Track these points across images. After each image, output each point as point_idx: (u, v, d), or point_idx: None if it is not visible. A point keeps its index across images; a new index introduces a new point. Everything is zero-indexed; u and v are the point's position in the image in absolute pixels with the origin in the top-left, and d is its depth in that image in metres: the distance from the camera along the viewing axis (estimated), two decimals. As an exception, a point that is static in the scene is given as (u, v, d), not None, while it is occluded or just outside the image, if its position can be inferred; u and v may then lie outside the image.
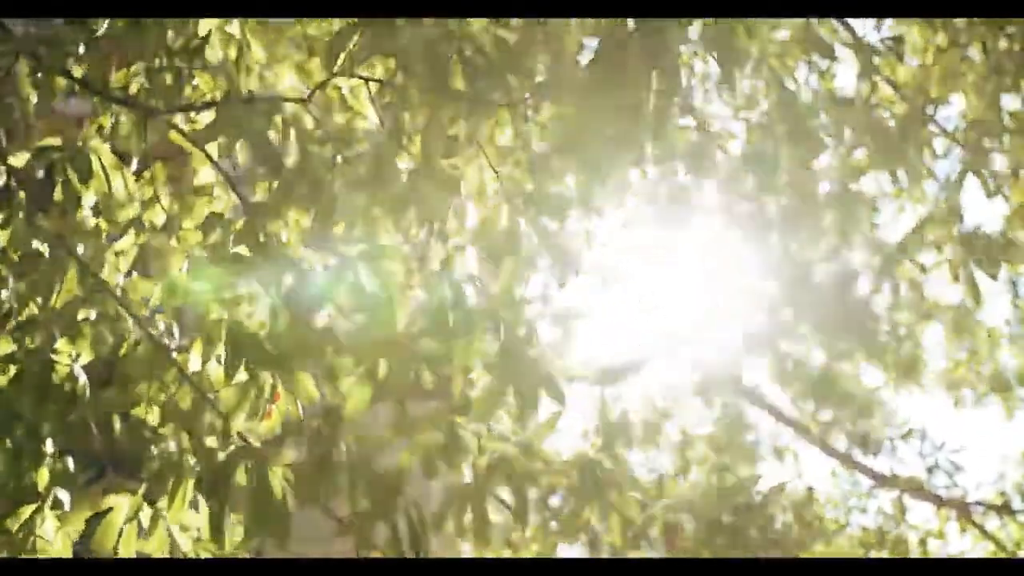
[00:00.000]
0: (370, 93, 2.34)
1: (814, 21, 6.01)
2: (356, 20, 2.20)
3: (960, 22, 6.08)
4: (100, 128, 3.03)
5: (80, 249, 3.02)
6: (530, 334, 2.28)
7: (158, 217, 3.34)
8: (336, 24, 2.50)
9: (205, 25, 3.28)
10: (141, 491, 2.54)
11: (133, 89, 3.19)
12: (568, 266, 2.11)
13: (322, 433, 2.34)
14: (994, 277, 4.90)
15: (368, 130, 2.70)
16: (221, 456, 2.33)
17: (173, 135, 2.84)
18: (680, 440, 8.91)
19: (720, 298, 8.35)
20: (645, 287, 9.11)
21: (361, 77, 2.27)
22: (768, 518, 2.82)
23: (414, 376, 2.65)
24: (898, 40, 5.46)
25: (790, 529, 7.81)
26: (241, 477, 2.28)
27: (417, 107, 2.13)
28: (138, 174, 3.01)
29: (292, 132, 2.71)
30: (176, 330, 2.83)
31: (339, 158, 2.56)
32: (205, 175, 2.91)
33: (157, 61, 3.16)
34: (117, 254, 3.19)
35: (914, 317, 8.22)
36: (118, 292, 3.09)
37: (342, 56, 2.21)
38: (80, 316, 2.73)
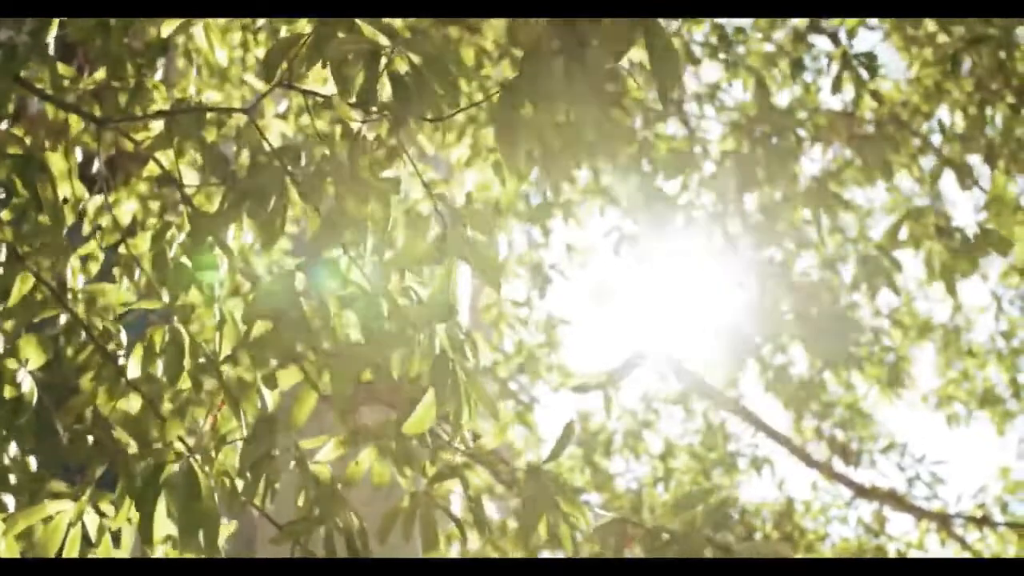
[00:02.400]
0: (307, 106, 2.36)
1: (792, 32, 6.07)
2: (296, 32, 2.22)
3: (945, 38, 6.13)
4: (61, 134, 3.05)
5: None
6: (463, 346, 2.30)
7: (123, 221, 3.37)
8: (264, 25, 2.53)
9: (167, 28, 3.30)
10: (85, 496, 2.55)
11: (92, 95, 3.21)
12: (493, 279, 2.13)
13: (258, 439, 2.36)
14: (968, 273, 4.94)
15: (320, 141, 2.71)
16: (152, 461, 2.35)
17: (127, 143, 2.87)
18: (662, 450, 8.94)
19: (701, 306, 8.37)
20: (627, 295, 9.13)
21: (297, 89, 2.29)
22: (720, 525, 2.83)
23: (357, 385, 2.67)
24: (870, 57, 5.52)
25: (768, 540, 7.82)
26: (171, 483, 2.30)
27: (346, 120, 2.16)
28: (100, 182, 3.03)
29: (243, 142, 2.74)
30: (124, 336, 2.86)
31: (288, 169, 2.57)
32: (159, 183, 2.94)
33: (118, 68, 3.19)
34: (85, 258, 3.22)
35: (895, 323, 8.25)
36: (80, 297, 3.12)
37: (280, 68, 2.22)
38: (30, 321, 2.76)
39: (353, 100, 2.02)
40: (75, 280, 2.92)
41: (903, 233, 5.14)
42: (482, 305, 7.76)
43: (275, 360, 2.55)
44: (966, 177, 5.36)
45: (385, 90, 2.10)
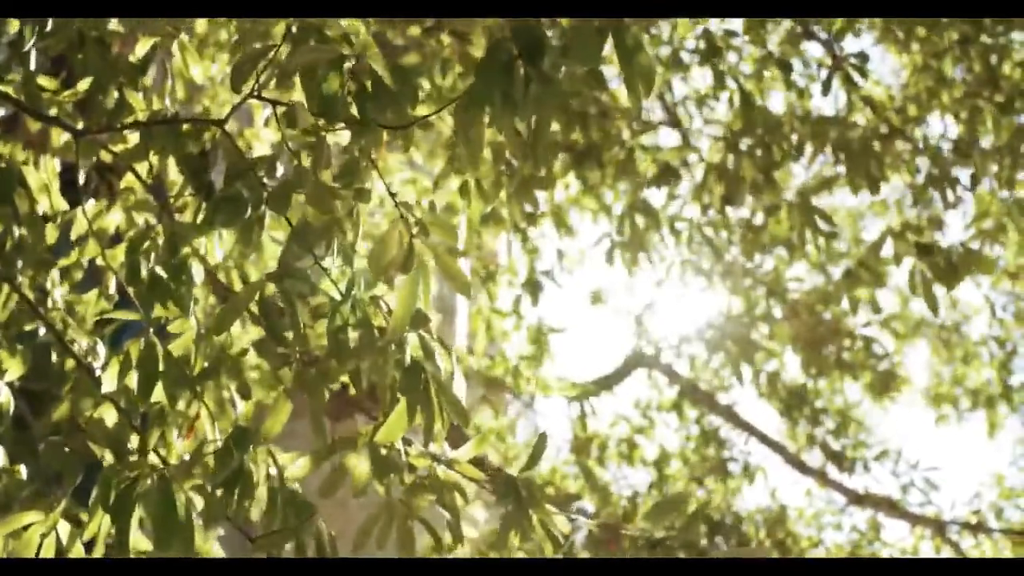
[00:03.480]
0: (275, 115, 2.36)
1: (784, 34, 6.07)
2: (267, 43, 2.23)
3: (939, 41, 6.13)
4: (43, 146, 3.06)
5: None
6: (435, 354, 2.30)
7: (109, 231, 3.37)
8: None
9: (142, 48, 3.31)
10: (60, 507, 2.55)
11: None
12: (462, 287, 2.13)
13: (231, 451, 2.36)
14: (951, 288, 4.95)
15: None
16: (127, 474, 2.35)
17: (104, 154, 2.87)
18: (656, 456, 8.94)
19: (694, 313, 8.38)
20: (620, 302, 9.14)
21: (265, 99, 2.30)
22: (708, 528, 2.83)
23: (338, 397, 2.67)
24: (861, 58, 5.52)
25: (762, 546, 7.82)
26: (145, 495, 2.30)
27: (310, 129, 2.16)
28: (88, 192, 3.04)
29: (220, 152, 2.73)
30: (101, 348, 2.87)
31: (263, 179, 2.57)
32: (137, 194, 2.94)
33: (103, 80, 3.19)
34: (66, 269, 3.22)
35: (883, 330, 8.26)
36: (60, 308, 3.12)
37: (251, 78, 2.23)
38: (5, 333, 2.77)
39: (316, 109, 2.03)
40: (63, 290, 2.93)
41: (887, 249, 5.14)
42: (472, 311, 7.77)
43: (255, 370, 2.56)
44: (952, 188, 5.36)
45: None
